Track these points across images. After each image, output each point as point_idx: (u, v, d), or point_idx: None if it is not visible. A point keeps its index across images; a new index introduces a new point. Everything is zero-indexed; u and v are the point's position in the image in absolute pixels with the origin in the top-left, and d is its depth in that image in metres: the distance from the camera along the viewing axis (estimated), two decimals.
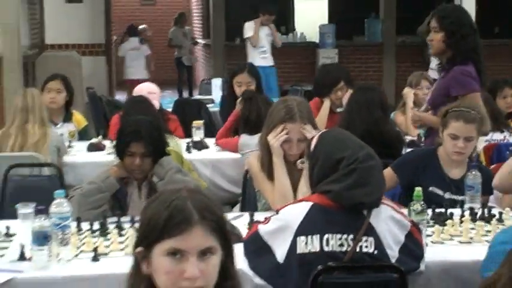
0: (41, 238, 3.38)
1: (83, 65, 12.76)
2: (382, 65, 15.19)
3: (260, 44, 11.67)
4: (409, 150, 5.33)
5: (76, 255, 3.56)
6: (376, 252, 3.20)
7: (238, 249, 3.16)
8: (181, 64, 16.11)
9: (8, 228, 3.91)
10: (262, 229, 3.31)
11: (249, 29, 11.77)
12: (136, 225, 3.89)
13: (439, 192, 4.37)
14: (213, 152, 6.21)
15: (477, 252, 3.55)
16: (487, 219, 4.04)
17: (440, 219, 3.96)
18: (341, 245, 3.20)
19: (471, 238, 3.80)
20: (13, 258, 3.53)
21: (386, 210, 3.30)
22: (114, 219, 4.05)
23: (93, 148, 6.18)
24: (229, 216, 4.03)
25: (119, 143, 4.28)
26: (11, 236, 3.86)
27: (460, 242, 3.77)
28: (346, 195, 3.22)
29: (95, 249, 3.56)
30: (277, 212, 3.49)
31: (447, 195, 4.36)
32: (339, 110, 6.35)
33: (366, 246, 3.20)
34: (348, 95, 6.12)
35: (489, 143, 5.78)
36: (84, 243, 3.69)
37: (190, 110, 8.04)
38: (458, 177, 4.38)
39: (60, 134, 6.11)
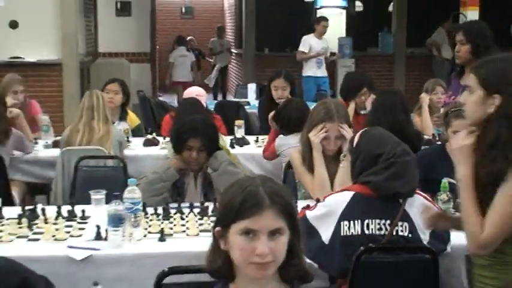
0: (116, 220, 3.42)
1: (131, 70, 12.83)
2: (393, 74, 15.17)
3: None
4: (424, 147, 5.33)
5: (144, 236, 3.59)
6: (410, 235, 3.23)
7: None
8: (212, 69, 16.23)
9: (83, 211, 3.93)
10: (309, 214, 3.34)
11: (305, 42, 11.46)
12: (195, 210, 3.99)
13: (453, 181, 4.37)
14: (253, 147, 6.25)
15: None
16: None
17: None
18: (380, 229, 3.23)
19: None
20: (90, 238, 3.56)
21: (419, 199, 3.33)
22: (175, 205, 4.08)
23: (148, 143, 6.21)
24: None
25: (178, 138, 4.29)
26: (86, 218, 3.90)
27: None
28: (384, 186, 3.25)
29: (161, 231, 3.60)
30: (317, 200, 3.53)
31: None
32: (362, 112, 6.38)
33: (402, 231, 3.23)
34: (370, 99, 6.14)
35: None
36: (150, 226, 3.72)
37: (229, 111, 8.07)
38: None
39: None
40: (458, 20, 12.37)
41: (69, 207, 3.97)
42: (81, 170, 5.10)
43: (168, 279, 2.92)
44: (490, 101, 2.65)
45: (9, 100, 5.91)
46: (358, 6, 16.91)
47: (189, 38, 16.66)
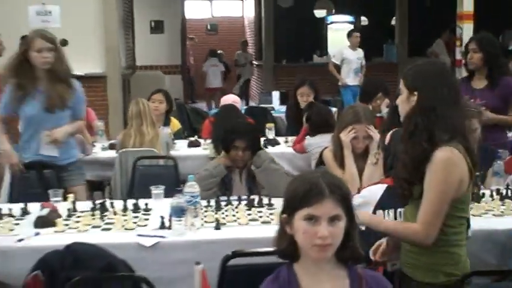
0: (179, 211, 3.49)
1: (165, 81, 12.92)
2: (396, 81, 15.10)
3: (354, 66, 11.05)
4: None
5: (202, 225, 3.66)
6: None
7: None
8: (237, 80, 16.36)
9: (146, 204, 4.02)
10: None
11: (338, 54, 11.20)
12: (243, 202, 4.07)
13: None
14: (283, 147, 6.29)
15: (508, 222, 3.69)
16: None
17: (477, 199, 4.01)
18: None
19: (502, 212, 3.87)
20: (155, 227, 3.62)
21: None
22: (225, 197, 4.15)
23: (191, 145, 6.28)
24: None
25: (226, 140, 4.37)
26: (149, 210, 3.97)
27: (494, 215, 3.83)
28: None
29: (216, 220, 3.68)
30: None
31: None
32: (378, 114, 6.41)
33: None
34: (385, 103, 6.19)
35: None
36: (206, 216, 3.79)
37: (258, 115, 8.13)
38: None
39: None
40: (455, 32, 12.38)
41: (133, 201, 4.04)
42: (137, 169, 5.17)
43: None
44: (412, 98, 2.73)
45: None
46: (364, 20, 16.96)
47: (219, 51, 16.90)
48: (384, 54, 15.79)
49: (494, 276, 3.23)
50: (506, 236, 3.55)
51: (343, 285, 2.23)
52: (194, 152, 6.07)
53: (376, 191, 3.35)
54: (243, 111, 8.07)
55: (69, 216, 3.84)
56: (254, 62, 16.89)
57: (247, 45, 16.98)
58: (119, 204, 4.03)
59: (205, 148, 6.05)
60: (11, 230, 3.63)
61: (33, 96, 4.49)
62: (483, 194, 4.13)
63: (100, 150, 6.13)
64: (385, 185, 3.34)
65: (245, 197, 4.15)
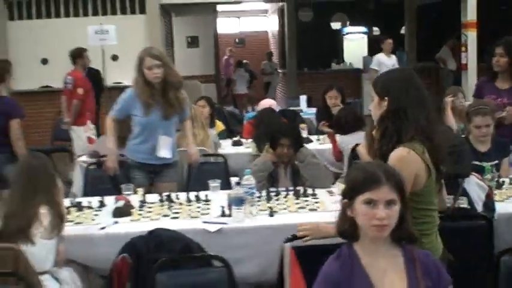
0: (238, 201, 3.56)
1: (202, 89, 13.02)
2: None
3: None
4: None
5: (257, 213, 3.70)
6: (469, 207, 3.33)
7: None
8: (267, 86, 16.45)
9: (206, 196, 4.10)
10: None
11: (375, 60, 10.85)
12: (290, 193, 4.13)
13: (477, 162, 4.40)
14: (316, 144, 6.31)
15: None
16: None
17: (498, 186, 4.03)
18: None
19: None
20: (217, 215, 3.70)
21: (474, 178, 3.42)
22: (274, 189, 4.22)
23: (235, 144, 6.37)
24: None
25: (273, 138, 4.44)
26: (209, 201, 4.05)
27: None
28: (448, 169, 3.35)
29: (270, 208, 3.75)
30: None
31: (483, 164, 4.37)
32: None
33: (462, 203, 3.33)
34: None
35: None
36: (260, 205, 3.85)
37: (289, 116, 8.17)
38: (485, 150, 4.41)
39: None
40: (461, 39, 12.36)
41: (195, 193, 4.12)
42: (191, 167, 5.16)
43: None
44: (383, 104, 2.70)
45: None
46: (376, 31, 16.91)
47: (244, 61, 17.04)
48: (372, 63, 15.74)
49: None
50: None
51: (398, 262, 2.27)
52: (238, 150, 6.13)
53: None
54: None
55: (141, 207, 3.93)
56: (279, 71, 16.92)
57: (272, 55, 17.08)
58: (182, 196, 4.12)
59: (247, 147, 6.12)
60: (93, 219, 3.73)
61: (152, 105, 4.50)
62: (503, 181, 4.15)
63: None
64: None
65: (291, 188, 4.21)
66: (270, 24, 19.83)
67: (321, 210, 3.77)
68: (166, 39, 12.70)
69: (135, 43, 10.45)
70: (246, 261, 3.45)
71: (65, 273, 3.33)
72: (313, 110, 8.21)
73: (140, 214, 3.78)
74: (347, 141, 5.53)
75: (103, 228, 3.55)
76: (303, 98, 9.48)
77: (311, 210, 3.79)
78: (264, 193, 4.11)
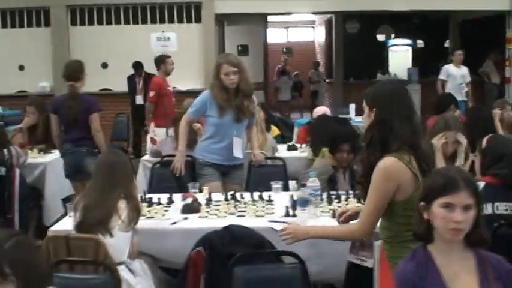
0: (303, 202, 3.57)
1: None
2: None
3: (458, 82, 10.25)
4: None
5: (320, 214, 3.72)
6: None
7: None
8: (314, 94, 16.45)
9: (269, 196, 4.13)
10: None
11: (444, 71, 10.52)
12: (351, 196, 4.12)
13: None
14: None
15: None
16: None
17: None
18: (506, 209, 3.27)
19: None
20: (281, 215, 3.71)
21: None
22: (334, 192, 4.21)
23: (290, 148, 6.39)
24: None
25: (334, 143, 4.45)
26: (271, 201, 4.06)
27: None
28: (509, 177, 3.31)
29: (332, 210, 3.73)
30: None
31: None
32: None
33: None
34: (457, 114, 6.15)
35: None
36: (321, 207, 3.84)
37: (340, 124, 8.12)
38: None
39: None
40: (505, 53, 12.17)
41: (258, 193, 4.15)
42: (252, 167, 5.20)
43: None
44: (371, 114, 2.71)
45: None
46: (420, 43, 16.77)
47: (295, 72, 17.14)
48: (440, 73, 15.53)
49: None
50: None
51: (470, 265, 2.26)
52: (293, 155, 6.15)
53: None
54: None
55: (207, 204, 3.98)
56: (326, 80, 16.90)
57: (318, 65, 17.05)
58: (246, 195, 4.15)
59: (302, 151, 6.13)
60: (163, 215, 3.80)
61: (226, 108, 4.60)
62: None
63: None
64: (483, 183, 3.35)
65: (351, 191, 4.21)
66: (316, 34, 19.84)
67: None
68: (218, 47, 12.82)
69: (190, 51, 10.64)
70: (308, 260, 3.43)
71: (137, 264, 3.39)
72: (361, 118, 8.16)
73: (207, 211, 3.83)
74: None
75: (174, 223, 3.61)
76: (352, 107, 9.43)
77: None
78: (324, 196, 4.10)
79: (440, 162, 4.24)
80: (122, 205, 3.25)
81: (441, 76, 10.50)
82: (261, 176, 4.97)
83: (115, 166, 3.32)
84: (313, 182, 3.68)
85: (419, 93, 14.20)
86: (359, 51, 15.60)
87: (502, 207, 3.29)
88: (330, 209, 3.78)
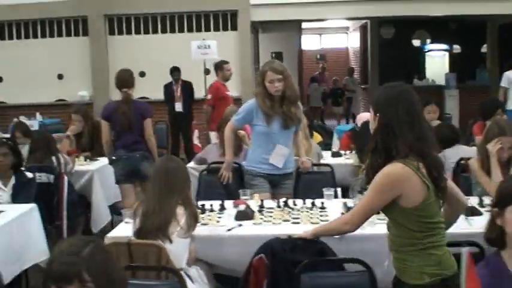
0: None
1: None
2: None
3: None
4: None
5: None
6: None
7: None
8: (349, 100, 16.43)
9: (322, 203, 4.11)
10: None
11: (505, 77, 10.13)
12: None
13: None
14: None
15: None
16: None
17: None
18: None
19: None
20: None
21: None
22: None
23: (335, 155, 6.38)
24: None
25: None
26: (324, 208, 4.05)
27: None
28: None
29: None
30: None
31: None
32: None
33: None
34: (503, 118, 6.07)
35: None
36: (379, 213, 3.82)
37: None
38: None
39: None
40: None
41: (311, 200, 4.14)
42: (300, 174, 5.13)
43: None
44: (376, 119, 2.65)
45: None
46: (456, 48, 16.60)
47: (334, 78, 17.16)
48: (477, 78, 15.38)
49: None
50: None
51: None
52: (338, 161, 6.11)
53: None
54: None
55: (260, 211, 3.98)
56: (361, 86, 16.84)
57: (353, 71, 17.02)
58: (299, 202, 4.15)
59: (347, 158, 6.11)
60: (217, 221, 3.81)
61: (272, 115, 4.55)
62: None
63: None
64: None
65: None
66: (350, 40, 19.79)
67: None
68: (254, 57, 12.88)
69: (226, 58, 10.64)
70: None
71: (193, 271, 3.41)
72: None
73: (261, 218, 3.83)
74: (448, 155, 5.43)
75: (229, 230, 3.62)
76: None
77: None
78: None
79: (495, 169, 4.19)
80: (180, 211, 3.27)
81: (503, 83, 10.08)
82: (308, 183, 4.96)
83: (173, 172, 3.34)
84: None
85: (457, 99, 14.09)
86: (394, 56, 15.50)
87: None
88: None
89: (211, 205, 4.12)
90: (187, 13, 11.75)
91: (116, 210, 6.40)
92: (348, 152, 6.38)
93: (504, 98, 9.83)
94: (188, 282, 3.25)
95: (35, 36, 12.10)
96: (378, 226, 3.59)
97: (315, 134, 6.95)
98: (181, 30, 11.86)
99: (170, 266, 3.09)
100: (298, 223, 3.74)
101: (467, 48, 16.20)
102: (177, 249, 3.23)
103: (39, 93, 11.91)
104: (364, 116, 6.70)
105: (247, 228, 3.67)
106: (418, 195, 2.53)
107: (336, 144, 8.41)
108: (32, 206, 4.53)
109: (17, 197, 4.83)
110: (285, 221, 3.79)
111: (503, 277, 2.27)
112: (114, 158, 5.76)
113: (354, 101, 16.50)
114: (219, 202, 4.16)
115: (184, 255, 3.29)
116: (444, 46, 16.40)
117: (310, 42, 19.79)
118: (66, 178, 5.52)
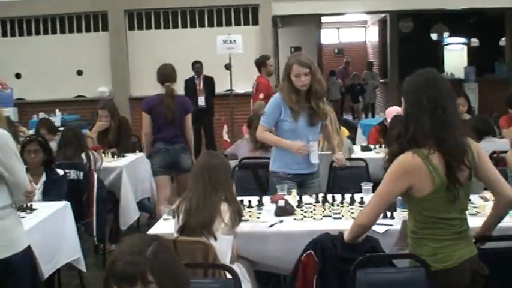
0: (403, 204, 3.49)
1: None
2: (506, 94, 14.53)
3: None
4: None
5: None
6: None
7: None
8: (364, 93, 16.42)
9: (361, 198, 4.00)
10: None
11: None
12: None
13: None
14: None
15: None
16: None
17: None
18: None
19: None
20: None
21: None
22: None
23: (364, 149, 6.31)
24: None
25: None
26: (363, 203, 3.91)
27: None
28: None
29: None
30: None
31: None
32: None
33: None
34: None
35: None
36: None
37: None
38: None
39: None
40: None
41: (349, 195, 4.07)
42: (332, 170, 5.13)
43: None
44: (403, 106, 2.69)
45: None
46: (474, 42, 16.42)
47: (354, 73, 17.08)
48: (496, 71, 15.23)
49: None
50: None
51: None
52: (368, 155, 6.00)
53: None
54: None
55: (298, 207, 3.92)
56: (381, 80, 16.74)
57: (372, 65, 16.92)
58: (338, 197, 4.08)
59: (377, 152, 6.04)
60: (257, 217, 3.76)
61: (299, 111, 4.33)
62: None
63: None
64: None
65: None
66: (369, 34, 19.66)
67: (481, 215, 3.64)
68: (274, 49, 12.80)
69: (247, 53, 10.61)
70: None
71: (236, 268, 3.36)
72: None
73: (302, 214, 3.77)
74: (483, 147, 5.34)
75: (271, 225, 3.57)
76: None
77: (471, 215, 3.65)
78: None
79: None
80: (224, 208, 3.22)
81: None
82: (342, 178, 4.89)
83: (216, 169, 3.28)
84: None
85: (476, 92, 13.94)
86: (413, 50, 15.35)
87: None
88: None
89: (249, 201, 4.06)
90: (208, 8, 11.71)
91: (142, 207, 6.38)
92: (377, 146, 6.30)
93: None
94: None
95: (54, 32, 12.09)
96: None
97: (342, 128, 6.84)
98: (201, 25, 11.82)
99: (218, 262, 3.03)
100: (339, 218, 3.69)
101: (485, 42, 16.03)
102: (221, 246, 3.18)
103: (58, 90, 11.90)
104: (393, 110, 6.62)
105: (289, 224, 3.62)
106: (426, 187, 2.56)
107: (360, 139, 8.35)
108: (65, 204, 4.47)
109: (47, 194, 4.77)
110: (325, 216, 3.73)
111: None
112: (154, 150, 5.84)
113: (367, 90, 16.41)
114: (257, 198, 4.10)
115: (228, 252, 3.24)
116: (463, 39, 16.22)
117: (328, 37, 19.69)
118: (95, 175, 5.48)
